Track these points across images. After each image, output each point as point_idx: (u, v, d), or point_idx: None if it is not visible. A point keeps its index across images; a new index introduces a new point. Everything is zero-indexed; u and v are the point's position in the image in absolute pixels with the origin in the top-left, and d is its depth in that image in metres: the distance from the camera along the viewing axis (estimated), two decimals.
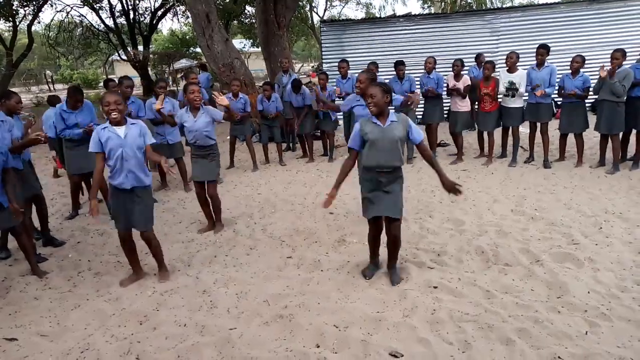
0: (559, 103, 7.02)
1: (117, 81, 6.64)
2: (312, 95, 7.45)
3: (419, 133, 3.43)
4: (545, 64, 6.32)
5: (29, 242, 4.11)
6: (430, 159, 3.47)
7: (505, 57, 6.58)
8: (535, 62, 6.41)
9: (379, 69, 7.31)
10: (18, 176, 4.03)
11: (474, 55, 8.81)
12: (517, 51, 6.67)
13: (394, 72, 7.28)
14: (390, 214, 3.43)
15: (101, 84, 23.64)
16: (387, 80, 7.21)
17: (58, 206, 6.11)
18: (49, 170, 7.96)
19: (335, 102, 7.44)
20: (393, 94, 3.60)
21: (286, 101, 7.98)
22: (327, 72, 8.26)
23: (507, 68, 6.44)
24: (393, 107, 3.63)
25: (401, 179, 3.49)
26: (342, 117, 8.42)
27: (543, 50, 6.28)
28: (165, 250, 4.45)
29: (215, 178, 4.84)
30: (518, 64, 6.44)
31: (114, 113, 3.50)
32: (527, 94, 6.47)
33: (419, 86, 7.28)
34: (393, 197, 3.42)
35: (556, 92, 6.41)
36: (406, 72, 7.24)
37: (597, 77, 5.96)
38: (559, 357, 2.62)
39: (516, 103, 6.48)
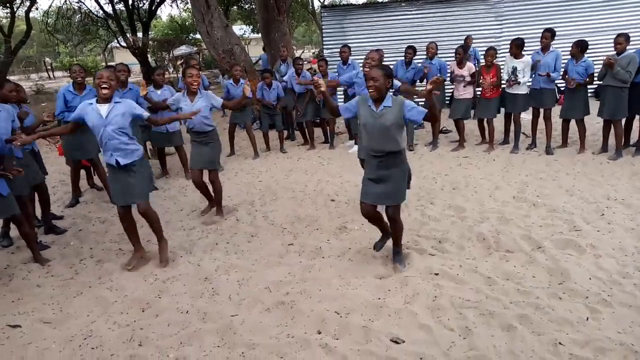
0: (562, 89, 6.95)
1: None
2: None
3: (420, 112, 3.25)
4: (551, 49, 6.24)
5: (31, 230, 4.12)
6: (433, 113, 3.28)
7: (509, 42, 6.49)
8: (539, 46, 6.33)
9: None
10: (18, 165, 4.01)
11: (478, 40, 8.71)
12: (522, 36, 6.59)
13: (396, 58, 7.20)
14: (379, 202, 3.42)
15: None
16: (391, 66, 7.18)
17: (59, 194, 6.11)
18: (49, 159, 7.94)
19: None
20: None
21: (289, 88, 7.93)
22: (327, 59, 8.19)
23: (512, 54, 6.35)
24: (392, 90, 3.56)
25: (402, 164, 3.41)
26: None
27: (548, 34, 6.19)
28: (167, 237, 4.47)
29: (214, 167, 4.77)
30: (523, 50, 6.35)
31: (105, 86, 3.47)
32: (530, 80, 6.39)
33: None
34: (387, 186, 3.37)
35: (560, 77, 6.35)
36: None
37: (602, 63, 5.89)
38: (560, 343, 2.62)
39: (520, 89, 6.40)
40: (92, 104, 3.57)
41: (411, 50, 7.08)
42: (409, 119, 3.28)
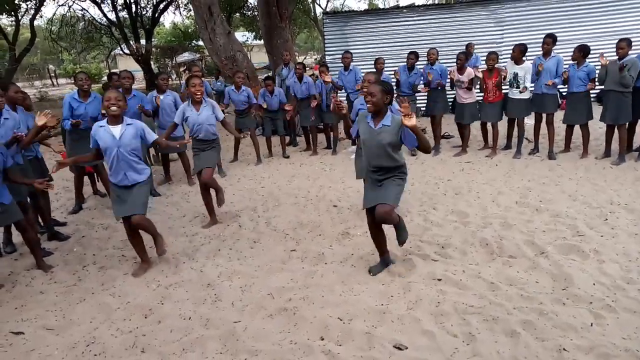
0: (564, 94, 6.95)
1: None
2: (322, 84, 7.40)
3: (414, 138, 3.25)
4: (552, 54, 6.26)
5: (34, 236, 4.13)
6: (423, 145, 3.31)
7: (510, 48, 6.51)
8: (541, 52, 6.35)
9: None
10: (19, 171, 4.03)
11: (479, 46, 8.74)
12: (523, 42, 6.60)
13: (398, 64, 7.24)
14: (379, 201, 3.39)
15: (104, 78, 23.67)
16: (395, 69, 7.20)
17: (62, 200, 6.13)
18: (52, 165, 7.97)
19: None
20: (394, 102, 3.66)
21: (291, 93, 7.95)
22: (329, 65, 8.22)
23: (513, 60, 6.37)
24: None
25: (399, 177, 3.45)
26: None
27: (549, 40, 6.21)
28: (169, 244, 4.48)
29: (211, 165, 4.77)
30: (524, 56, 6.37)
31: (114, 107, 3.59)
32: (532, 85, 6.40)
33: (423, 77, 7.23)
34: (385, 190, 3.41)
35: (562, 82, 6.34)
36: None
37: (599, 59, 5.90)
38: (564, 349, 2.61)
39: (523, 94, 6.41)
40: (103, 126, 3.69)
41: (413, 56, 7.11)
42: (404, 143, 3.33)
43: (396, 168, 3.42)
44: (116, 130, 3.66)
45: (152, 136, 3.85)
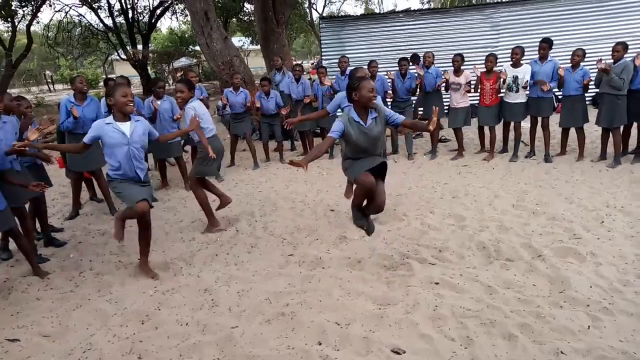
0: (559, 97, 6.99)
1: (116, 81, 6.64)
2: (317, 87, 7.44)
3: (398, 116, 3.59)
4: (549, 58, 6.29)
5: (29, 243, 4.11)
6: (409, 126, 3.66)
7: (506, 52, 6.56)
8: (536, 56, 6.39)
9: (379, 65, 7.29)
10: (17, 177, 4.02)
11: (474, 50, 8.78)
12: (519, 45, 6.64)
13: (394, 68, 7.27)
14: (380, 191, 3.58)
15: (101, 83, 23.65)
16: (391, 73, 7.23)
17: (59, 206, 6.11)
18: (48, 171, 7.94)
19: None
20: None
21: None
22: (326, 68, 8.25)
23: (512, 63, 6.41)
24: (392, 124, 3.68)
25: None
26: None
27: (545, 45, 6.25)
28: (166, 249, 4.47)
29: (192, 175, 4.78)
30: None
31: (131, 104, 3.53)
32: (528, 89, 6.43)
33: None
34: (380, 185, 3.59)
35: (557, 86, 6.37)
36: (410, 69, 7.24)
37: (597, 70, 5.93)
38: (561, 352, 2.61)
39: (519, 98, 6.44)
40: (109, 123, 3.52)
41: (405, 62, 7.16)
42: (393, 123, 3.56)
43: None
44: (126, 127, 3.54)
45: (155, 132, 3.86)
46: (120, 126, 3.54)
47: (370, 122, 3.42)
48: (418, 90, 7.29)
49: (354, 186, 3.77)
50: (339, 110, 5.02)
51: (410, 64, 7.51)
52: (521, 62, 6.37)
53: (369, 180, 3.48)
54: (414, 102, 7.52)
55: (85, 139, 3.57)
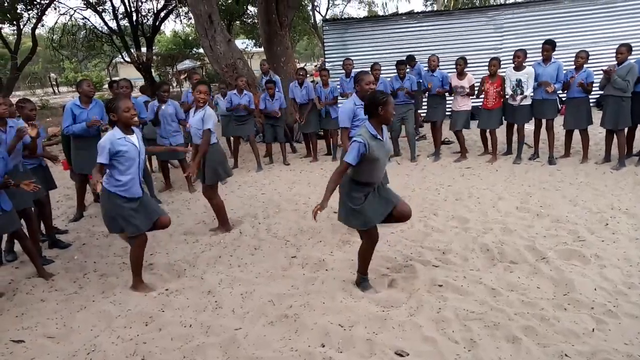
0: (563, 99, 6.98)
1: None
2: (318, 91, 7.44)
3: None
4: (552, 60, 6.28)
5: (34, 245, 4.13)
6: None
7: (509, 54, 6.54)
8: (540, 58, 6.37)
9: (382, 68, 7.29)
10: (21, 179, 4.04)
11: (478, 52, 8.78)
12: (522, 47, 6.63)
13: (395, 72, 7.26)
14: (397, 201, 3.30)
15: (105, 86, 23.75)
16: (388, 79, 7.22)
17: (63, 208, 6.14)
18: (53, 173, 7.98)
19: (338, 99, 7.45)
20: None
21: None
22: (329, 70, 8.26)
23: (514, 66, 6.39)
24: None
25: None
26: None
27: (549, 47, 6.24)
28: (170, 251, 4.48)
29: (209, 182, 4.69)
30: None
31: (136, 117, 3.47)
32: (532, 92, 6.41)
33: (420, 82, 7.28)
34: (388, 191, 3.38)
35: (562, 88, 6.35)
36: (407, 71, 7.24)
37: (602, 73, 5.92)
38: (565, 355, 2.60)
39: (523, 101, 6.43)
40: (121, 138, 3.37)
41: (403, 66, 7.15)
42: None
43: None
44: (134, 139, 3.48)
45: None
46: (131, 139, 3.45)
47: (385, 134, 3.24)
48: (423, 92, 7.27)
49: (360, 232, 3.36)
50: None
51: (407, 67, 7.48)
52: (524, 64, 6.36)
53: (377, 233, 3.31)
54: (412, 105, 7.47)
55: (103, 160, 3.32)
